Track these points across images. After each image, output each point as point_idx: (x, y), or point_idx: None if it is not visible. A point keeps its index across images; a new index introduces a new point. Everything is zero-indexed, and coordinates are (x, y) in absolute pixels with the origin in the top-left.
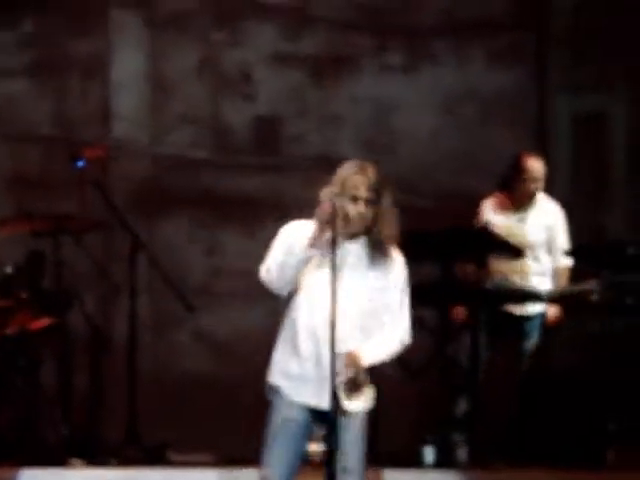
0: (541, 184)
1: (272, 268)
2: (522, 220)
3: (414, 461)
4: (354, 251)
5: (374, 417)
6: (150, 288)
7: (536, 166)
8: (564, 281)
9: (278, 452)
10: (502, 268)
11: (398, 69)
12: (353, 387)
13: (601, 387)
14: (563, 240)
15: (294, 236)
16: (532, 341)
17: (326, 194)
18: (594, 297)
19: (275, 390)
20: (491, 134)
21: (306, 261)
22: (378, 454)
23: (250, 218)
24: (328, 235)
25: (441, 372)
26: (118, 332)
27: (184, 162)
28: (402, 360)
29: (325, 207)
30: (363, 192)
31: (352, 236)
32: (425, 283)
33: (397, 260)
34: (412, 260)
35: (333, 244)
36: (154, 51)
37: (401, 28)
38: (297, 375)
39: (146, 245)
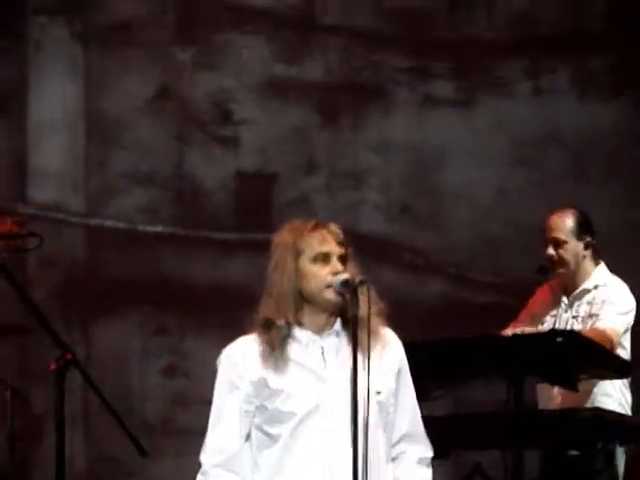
0: (569, 248)
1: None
2: (566, 310)
3: None
4: (332, 347)
5: None
6: (85, 421)
7: (550, 222)
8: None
9: None
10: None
11: (447, 103)
12: None
13: None
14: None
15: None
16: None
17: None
18: None
19: None
20: (583, 194)
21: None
22: None
23: (230, 318)
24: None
25: None
26: None
27: (133, 239)
28: None
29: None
30: (335, 247)
31: (324, 324)
32: (484, 413)
33: (392, 339)
34: (461, 379)
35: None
36: (91, 79)
37: (451, 44)
38: None
39: (79, 360)
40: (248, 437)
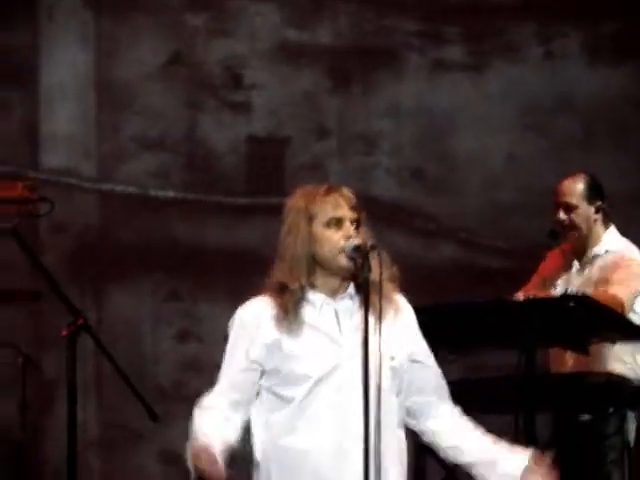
0: (580, 212)
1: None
2: (578, 275)
3: None
4: (346, 311)
5: None
6: (98, 388)
7: (561, 186)
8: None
9: None
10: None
11: (457, 68)
12: None
13: None
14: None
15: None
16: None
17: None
18: None
19: None
20: (594, 159)
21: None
22: None
23: (242, 282)
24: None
25: None
26: (51, 452)
27: (145, 204)
28: None
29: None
30: (348, 212)
31: (338, 288)
32: (495, 377)
33: (404, 306)
34: (472, 344)
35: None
36: (102, 46)
37: (462, 8)
38: None
39: (91, 325)
40: (256, 396)
